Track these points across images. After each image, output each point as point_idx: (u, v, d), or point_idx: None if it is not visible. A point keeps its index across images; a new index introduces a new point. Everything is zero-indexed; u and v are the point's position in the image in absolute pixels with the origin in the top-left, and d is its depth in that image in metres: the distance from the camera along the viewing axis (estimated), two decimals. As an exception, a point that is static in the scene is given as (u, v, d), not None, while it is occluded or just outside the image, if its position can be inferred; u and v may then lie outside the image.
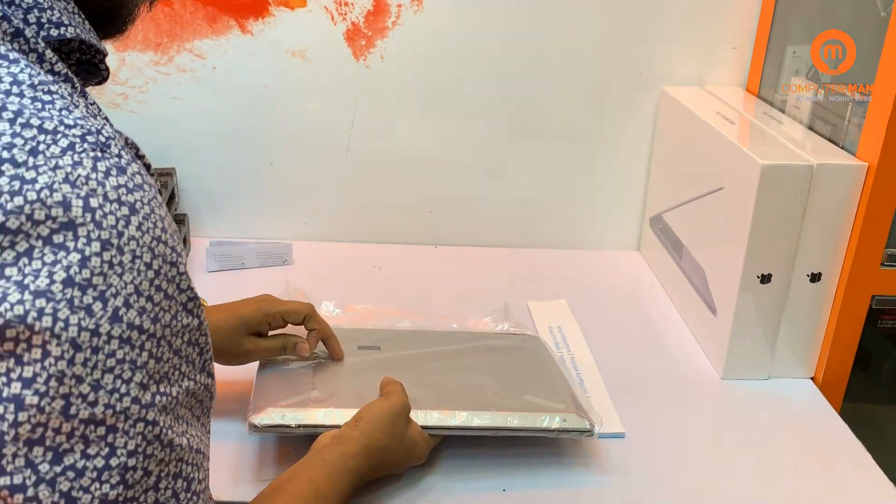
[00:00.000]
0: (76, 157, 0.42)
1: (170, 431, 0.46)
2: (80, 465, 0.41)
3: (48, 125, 0.42)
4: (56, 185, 0.40)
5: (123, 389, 0.42)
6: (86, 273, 0.40)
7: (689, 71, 1.19)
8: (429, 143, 1.23)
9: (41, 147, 0.41)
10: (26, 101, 0.42)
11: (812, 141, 0.96)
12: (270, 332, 0.87)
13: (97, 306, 0.41)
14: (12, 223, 0.39)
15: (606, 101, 1.20)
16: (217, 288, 1.13)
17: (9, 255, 0.39)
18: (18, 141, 0.41)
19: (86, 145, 0.42)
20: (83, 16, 0.50)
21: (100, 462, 0.42)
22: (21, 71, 0.43)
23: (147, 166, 0.51)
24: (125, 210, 0.42)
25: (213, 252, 1.18)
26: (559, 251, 1.29)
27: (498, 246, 1.29)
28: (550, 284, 1.18)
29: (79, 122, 0.43)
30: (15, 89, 0.42)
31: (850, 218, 0.90)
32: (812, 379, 0.98)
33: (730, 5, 1.14)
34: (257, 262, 1.20)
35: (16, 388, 0.39)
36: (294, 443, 0.73)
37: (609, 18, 1.15)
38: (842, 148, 0.93)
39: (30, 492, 0.40)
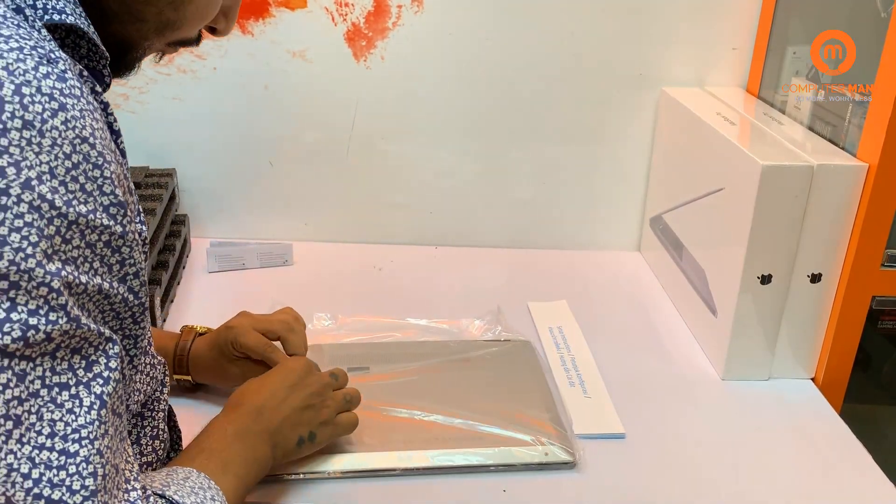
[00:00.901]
0: (21, 56, 0.46)
1: (76, 308, 0.48)
2: None
3: (4, 31, 0.46)
4: None
5: (29, 251, 0.45)
6: (4, 141, 0.44)
7: (690, 71, 1.19)
8: (429, 144, 1.23)
9: None
10: None
11: (812, 141, 0.96)
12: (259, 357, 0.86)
13: (11, 171, 0.44)
14: None
15: (606, 102, 1.20)
16: (217, 289, 1.13)
17: None
18: None
19: (34, 53, 0.47)
20: (90, 21, 0.53)
21: (1, 314, 0.45)
22: None
23: (114, 131, 0.54)
24: (55, 105, 0.46)
25: (213, 253, 1.18)
26: (559, 251, 1.29)
27: (498, 246, 1.29)
28: (550, 285, 1.18)
29: (37, 43, 0.47)
30: None
31: (851, 218, 0.90)
32: (812, 379, 0.98)
33: (730, 5, 1.15)
34: (258, 263, 1.20)
35: None
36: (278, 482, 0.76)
37: (609, 19, 1.15)
38: (842, 148, 0.93)
39: None
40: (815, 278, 0.93)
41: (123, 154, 0.55)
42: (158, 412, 0.64)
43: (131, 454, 0.54)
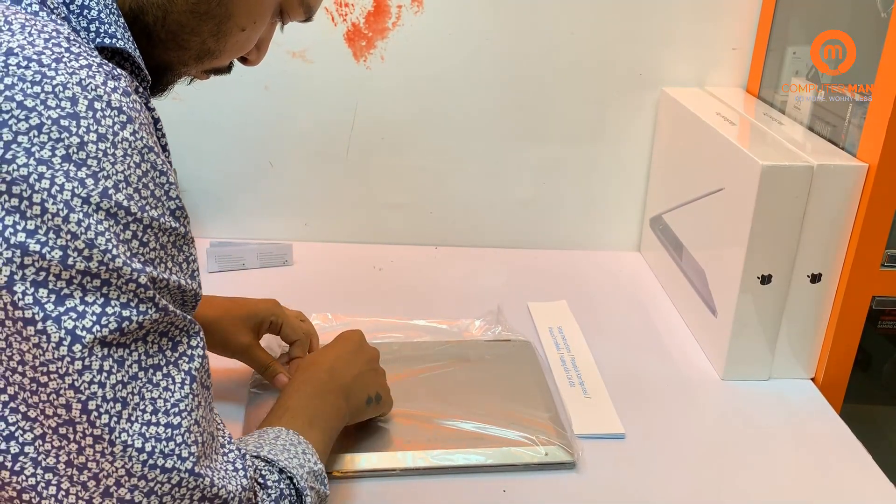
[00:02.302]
0: (91, 72, 0.50)
1: (163, 300, 0.52)
2: (80, 308, 0.48)
3: (74, 49, 0.50)
4: (70, 85, 0.49)
5: (115, 252, 0.49)
6: (82, 154, 0.48)
7: (690, 72, 1.19)
8: (429, 144, 1.23)
9: (65, 58, 0.49)
10: (62, 38, 0.50)
11: (812, 141, 0.96)
12: (264, 343, 0.91)
13: (90, 181, 0.48)
14: (29, 102, 0.47)
15: (606, 102, 1.20)
16: (217, 289, 1.13)
17: (22, 126, 0.47)
18: (47, 51, 0.49)
19: (102, 69, 0.51)
20: (136, 44, 0.58)
21: (97, 308, 0.49)
22: (64, 28, 0.52)
23: (163, 146, 0.58)
24: (123, 118, 0.50)
25: (213, 253, 1.18)
26: (559, 251, 1.29)
27: (498, 246, 1.29)
28: (550, 285, 1.18)
29: (101, 60, 0.51)
30: (55, 32, 0.51)
31: (851, 219, 0.90)
32: (812, 379, 0.98)
33: (730, 6, 1.15)
34: (258, 263, 1.20)
35: (21, 237, 0.47)
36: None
37: (609, 19, 1.15)
38: (842, 149, 0.93)
39: (38, 325, 0.48)
40: (815, 278, 0.93)
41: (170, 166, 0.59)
42: None
43: (220, 422, 0.59)
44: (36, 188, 0.47)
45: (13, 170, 0.47)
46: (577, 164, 1.25)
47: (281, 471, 0.62)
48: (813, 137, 0.98)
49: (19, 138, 0.47)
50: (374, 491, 0.77)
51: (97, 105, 0.49)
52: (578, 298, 1.14)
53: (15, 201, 0.47)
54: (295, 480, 0.63)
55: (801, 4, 1.07)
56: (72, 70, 0.49)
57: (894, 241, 0.91)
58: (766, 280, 0.92)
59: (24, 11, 0.52)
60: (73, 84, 0.49)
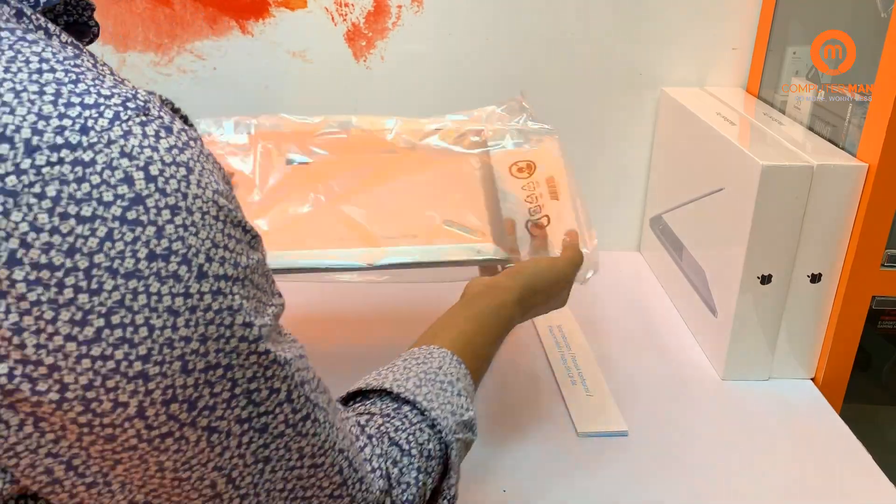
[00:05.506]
0: (125, 127, 0.41)
1: (280, 353, 0.48)
2: (210, 402, 0.45)
3: (88, 100, 0.40)
4: (115, 163, 0.40)
5: (228, 333, 0.44)
6: (164, 243, 0.41)
7: (690, 72, 1.19)
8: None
9: (90, 123, 0.40)
10: (61, 78, 0.41)
11: (812, 141, 0.96)
12: None
13: (182, 270, 0.41)
14: (86, 211, 0.39)
15: (606, 102, 1.20)
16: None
17: (92, 243, 0.39)
18: (67, 122, 0.39)
19: (129, 112, 0.41)
20: None
21: (226, 395, 0.45)
22: (44, 50, 0.41)
23: (184, 118, 0.51)
24: (183, 171, 0.42)
25: (213, 252, 1.17)
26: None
27: (498, 246, 1.29)
28: (551, 285, 1.18)
29: (114, 91, 0.42)
30: (45, 67, 0.41)
31: (851, 219, 0.90)
32: (812, 379, 0.98)
33: (730, 6, 1.15)
34: (257, 263, 1.19)
35: (137, 366, 0.41)
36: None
37: (609, 19, 1.15)
38: (842, 148, 0.93)
39: (177, 434, 0.44)
40: (815, 278, 0.93)
41: None
42: None
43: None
44: (135, 308, 0.40)
45: (104, 300, 0.40)
46: (578, 164, 1.24)
47: (432, 425, 0.61)
48: (813, 137, 0.98)
49: (95, 259, 0.39)
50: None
51: (152, 170, 0.41)
52: (578, 298, 1.14)
53: (119, 332, 0.40)
54: (443, 434, 0.61)
55: (801, 4, 1.07)
56: (106, 137, 0.40)
57: (894, 241, 0.91)
58: (766, 280, 0.92)
59: None
60: (116, 158, 0.40)
